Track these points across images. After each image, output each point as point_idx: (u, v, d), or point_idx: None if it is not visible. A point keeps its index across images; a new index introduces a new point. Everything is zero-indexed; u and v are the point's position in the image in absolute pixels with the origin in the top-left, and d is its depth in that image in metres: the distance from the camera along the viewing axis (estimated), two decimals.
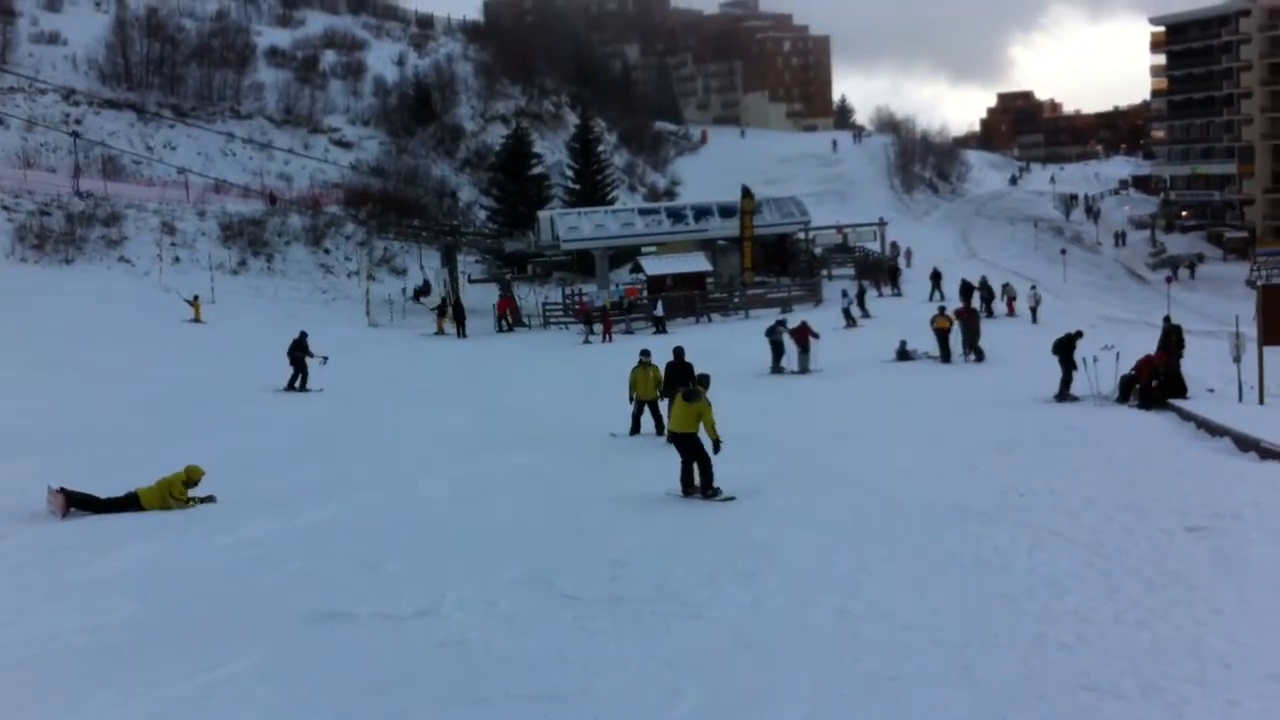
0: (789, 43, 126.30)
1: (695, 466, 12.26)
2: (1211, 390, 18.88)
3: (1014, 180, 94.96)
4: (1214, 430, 14.79)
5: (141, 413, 20.89)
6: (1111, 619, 7.58)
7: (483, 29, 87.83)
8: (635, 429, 17.25)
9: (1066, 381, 19.47)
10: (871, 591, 8.46)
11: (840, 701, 6.47)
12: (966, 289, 34.96)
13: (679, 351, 17.20)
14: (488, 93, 69.96)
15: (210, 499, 12.97)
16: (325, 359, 24.95)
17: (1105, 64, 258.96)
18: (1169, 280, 51.13)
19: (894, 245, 55.71)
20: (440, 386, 26.59)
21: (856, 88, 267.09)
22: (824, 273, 50.44)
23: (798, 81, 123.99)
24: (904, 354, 26.41)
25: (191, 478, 12.87)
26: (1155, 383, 18.23)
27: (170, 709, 6.83)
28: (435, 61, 70.72)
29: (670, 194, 72.63)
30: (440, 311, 40.23)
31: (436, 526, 11.68)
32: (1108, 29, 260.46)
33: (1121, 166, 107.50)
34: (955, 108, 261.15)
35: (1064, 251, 57.07)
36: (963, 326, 26.08)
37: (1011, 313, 37.62)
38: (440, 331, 39.04)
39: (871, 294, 41.89)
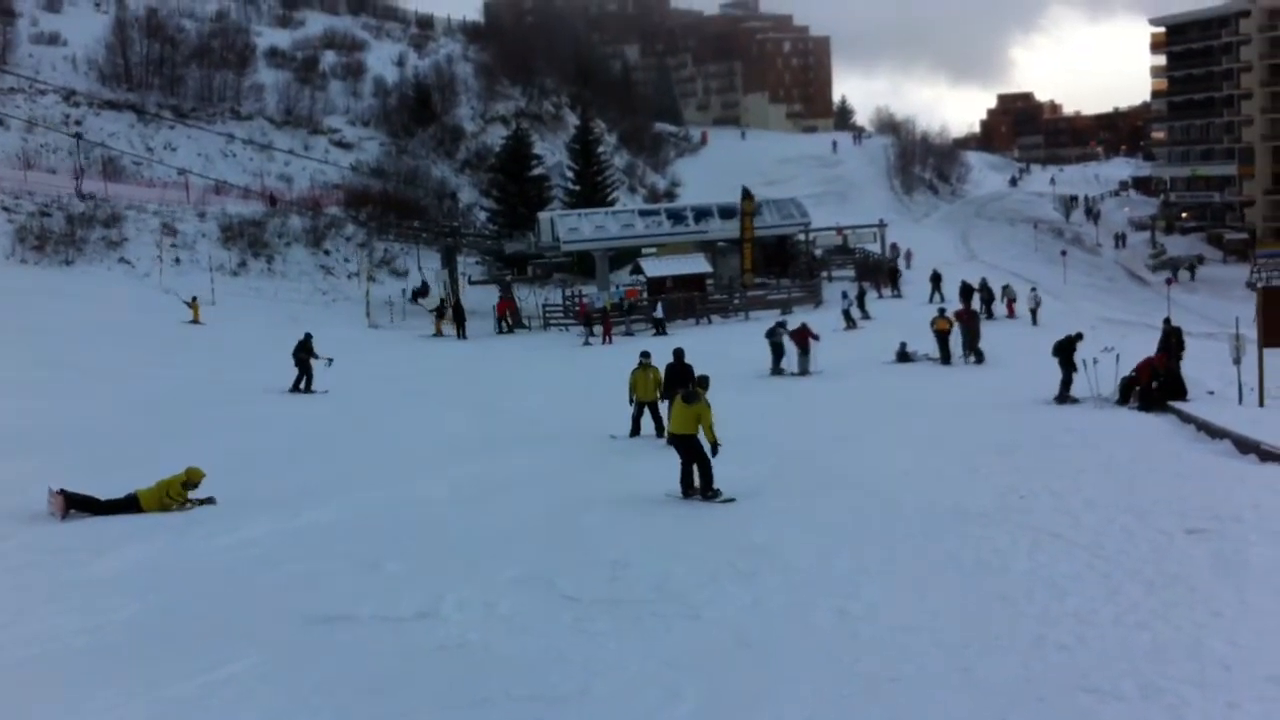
0: (789, 43, 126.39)
1: (695, 468, 12.27)
2: (1211, 392, 18.86)
3: (1014, 182, 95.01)
4: (1214, 432, 14.79)
5: (141, 413, 20.87)
6: (1111, 621, 7.59)
7: (483, 29, 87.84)
8: (635, 431, 17.25)
9: (1067, 383, 19.46)
10: (871, 593, 8.47)
11: (840, 703, 6.47)
12: (966, 291, 34.89)
13: (679, 353, 17.18)
14: (488, 93, 69.95)
15: (210, 500, 12.95)
16: (330, 360, 24.93)
17: (1105, 65, 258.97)
18: (1169, 282, 51.06)
19: (894, 247, 55.71)
20: (440, 388, 26.59)
21: (856, 89, 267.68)
22: (824, 274, 50.37)
23: (798, 82, 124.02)
24: (904, 356, 26.39)
25: (191, 479, 12.85)
26: (1155, 385, 18.22)
27: (170, 709, 6.84)
28: (435, 62, 70.72)
29: (670, 195, 72.65)
30: (439, 313, 40.10)
31: (436, 527, 11.68)
32: (1107, 30, 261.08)
33: (1121, 168, 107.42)
34: (955, 109, 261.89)
35: (1064, 253, 57.04)
36: (963, 328, 26.06)
37: (1011, 314, 37.58)
38: (439, 333, 38.90)
39: (871, 295, 41.83)
